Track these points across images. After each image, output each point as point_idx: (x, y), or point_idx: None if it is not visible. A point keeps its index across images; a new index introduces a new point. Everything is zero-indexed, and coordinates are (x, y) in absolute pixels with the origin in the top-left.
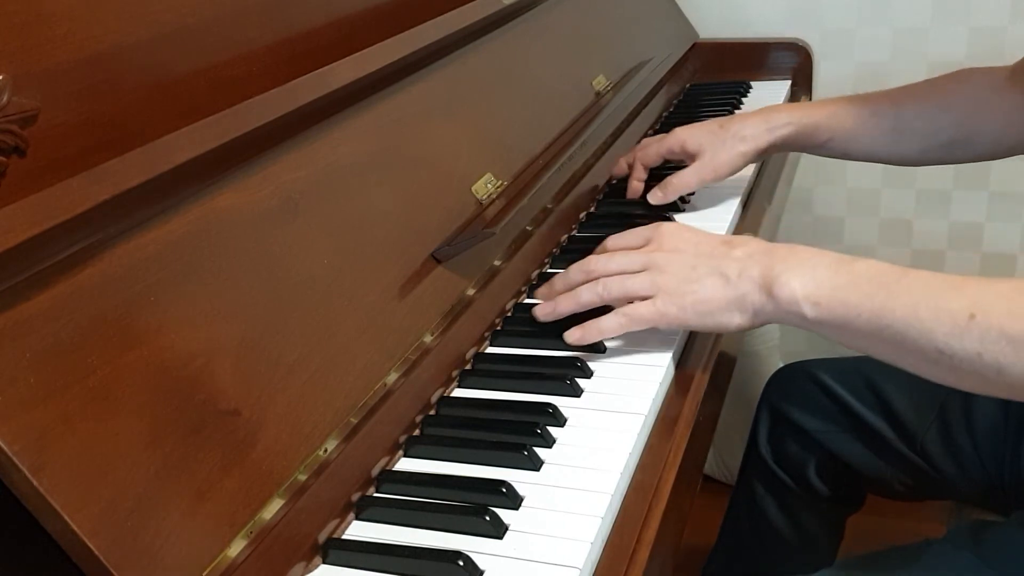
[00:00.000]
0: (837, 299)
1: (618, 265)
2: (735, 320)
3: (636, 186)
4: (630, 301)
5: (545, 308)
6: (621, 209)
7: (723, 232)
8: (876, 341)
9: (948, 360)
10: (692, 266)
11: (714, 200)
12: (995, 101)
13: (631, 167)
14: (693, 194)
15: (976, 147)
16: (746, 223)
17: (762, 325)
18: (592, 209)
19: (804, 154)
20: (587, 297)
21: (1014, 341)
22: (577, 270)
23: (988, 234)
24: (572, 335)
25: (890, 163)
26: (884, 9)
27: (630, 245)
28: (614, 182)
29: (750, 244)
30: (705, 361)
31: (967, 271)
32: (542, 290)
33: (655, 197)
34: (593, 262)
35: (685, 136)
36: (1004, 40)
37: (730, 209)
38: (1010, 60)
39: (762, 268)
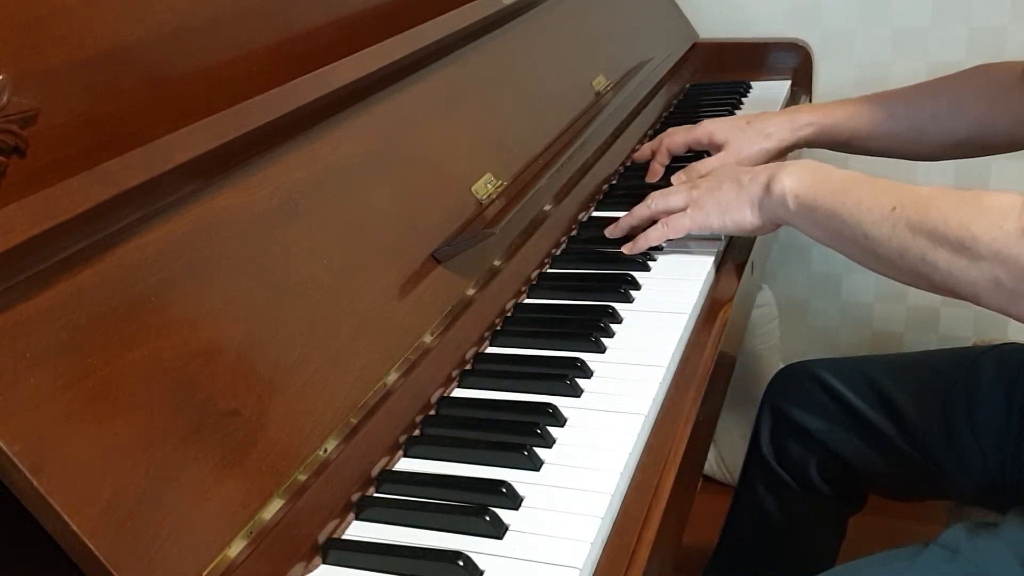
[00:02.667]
0: (810, 195)
1: (672, 188)
2: (747, 216)
3: (656, 168)
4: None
5: (610, 227)
6: (621, 209)
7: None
8: (829, 231)
9: (869, 244)
10: (720, 180)
11: None
12: (1009, 97)
13: (655, 152)
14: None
15: (990, 144)
16: None
17: (771, 224)
18: (592, 210)
19: (805, 154)
20: (640, 211)
21: (913, 228)
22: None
23: None
24: (627, 247)
25: (909, 159)
26: (884, 9)
27: (696, 172)
28: (628, 164)
29: (772, 164)
30: (705, 362)
31: None
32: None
33: (678, 178)
34: (653, 192)
35: (713, 128)
36: (1004, 40)
37: None
38: (1010, 60)
39: (769, 173)
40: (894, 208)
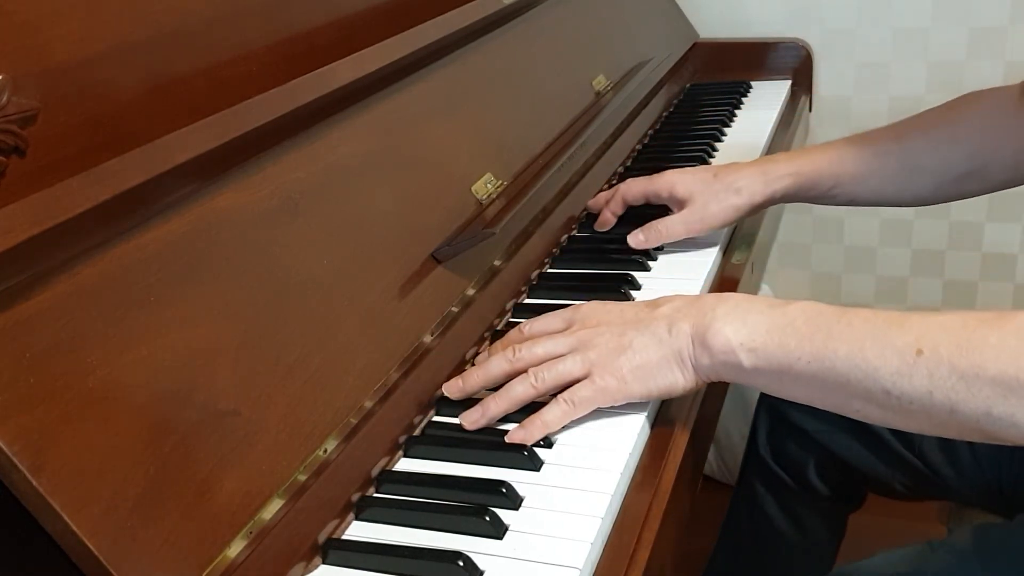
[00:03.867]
0: (774, 343)
1: (544, 351)
2: (679, 380)
3: (608, 218)
4: (565, 387)
5: (472, 416)
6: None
7: (723, 232)
8: (819, 387)
9: (896, 402)
10: (620, 334)
11: None
12: (1007, 125)
13: (608, 202)
14: None
15: (993, 177)
16: (746, 223)
17: (707, 383)
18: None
19: None
20: (520, 391)
21: (965, 377)
22: (499, 361)
23: (988, 234)
24: (516, 436)
25: (902, 205)
26: (884, 9)
27: (551, 329)
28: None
29: (675, 300)
30: None
31: (967, 271)
32: (453, 385)
33: (636, 240)
34: (515, 351)
35: (676, 180)
36: (1004, 40)
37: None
38: (1010, 60)
39: (693, 320)
40: (919, 351)
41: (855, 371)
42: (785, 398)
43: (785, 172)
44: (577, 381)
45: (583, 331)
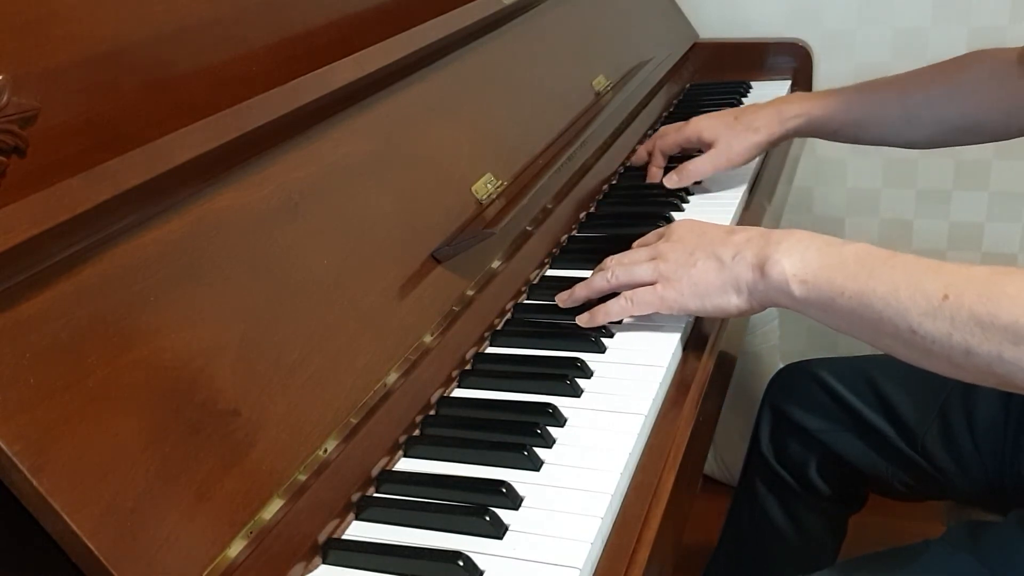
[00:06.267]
0: (823, 278)
1: (629, 258)
2: (732, 301)
3: (655, 172)
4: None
5: (563, 295)
6: (621, 209)
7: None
8: (856, 321)
9: (920, 340)
10: (691, 252)
11: (713, 201)
12: (1003, 85)
13: (651, 155)
14: (699, 183)
15: (985, 131)
16: (746, 223)
17: (761, 308)
18: (592, 209)
19: (804, 154)
20: (598, 283)
21: (983, 323)
22: (597, 267)
23: (988, 234)
24: (582, 318)
25: (899, 147)
26: (884, 9)
27: (646, 242)
28: (628, 164)
29: (750, 231)
30: (705, 361)
31: None
32: (564, 295)
33: (671, 180)
34: (609, 258)
35: (703, 126)
36: (1004, 40)
37: (729, 211)
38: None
39: (756, 250)
40: (946, 296)
41: (888, 309)
42: (830, 327)
43: (797, 113)
44: (647, 285)
45: (664, 244)
